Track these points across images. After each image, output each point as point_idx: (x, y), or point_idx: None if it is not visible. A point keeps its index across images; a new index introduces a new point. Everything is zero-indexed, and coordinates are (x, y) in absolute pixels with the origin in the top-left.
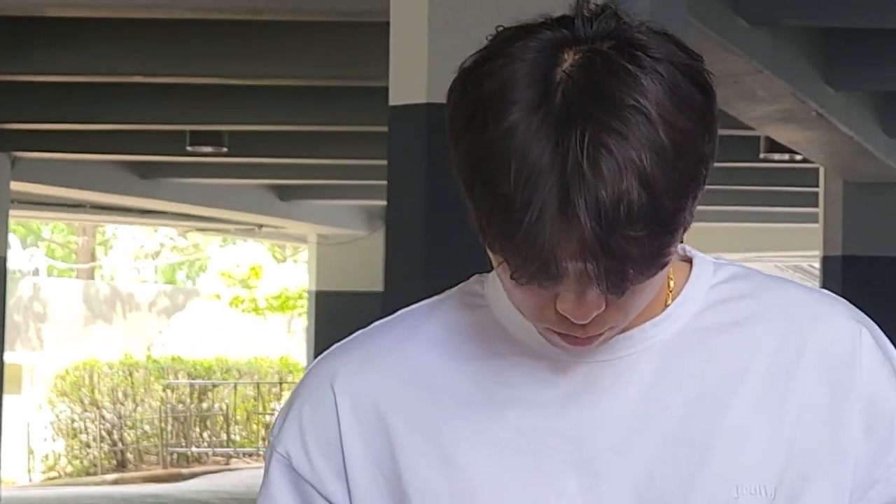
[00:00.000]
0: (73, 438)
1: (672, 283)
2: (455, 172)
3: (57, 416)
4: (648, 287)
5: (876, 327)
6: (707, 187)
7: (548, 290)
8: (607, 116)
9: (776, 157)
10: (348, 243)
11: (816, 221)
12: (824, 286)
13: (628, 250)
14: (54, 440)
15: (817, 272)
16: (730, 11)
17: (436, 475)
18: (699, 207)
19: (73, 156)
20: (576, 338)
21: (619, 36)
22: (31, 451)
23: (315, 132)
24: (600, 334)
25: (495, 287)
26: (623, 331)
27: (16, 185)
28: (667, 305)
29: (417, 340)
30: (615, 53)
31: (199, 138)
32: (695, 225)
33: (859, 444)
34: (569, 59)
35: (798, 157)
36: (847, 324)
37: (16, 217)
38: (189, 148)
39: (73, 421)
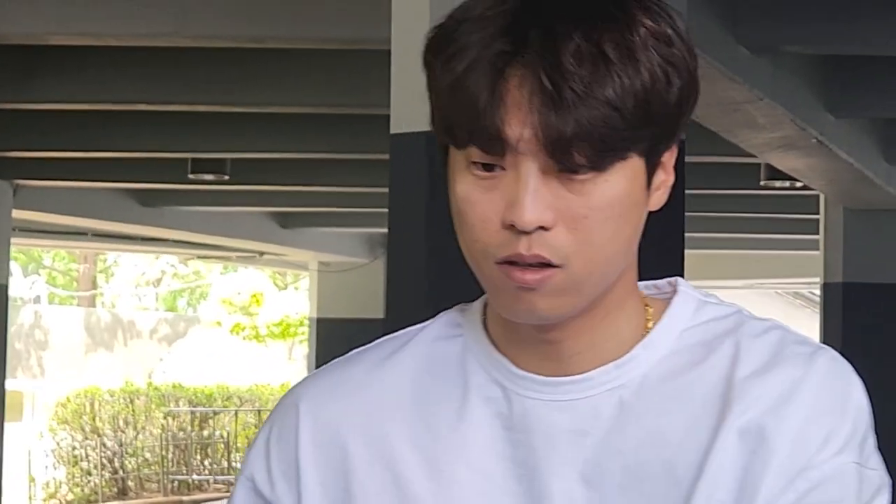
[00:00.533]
0: (74, 466)
1: (650, 323)
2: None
3: (58, 444)
4: (600, 219)
5: (839, 376)
6: (708, 214)
7: (495, 166)
8: None
9: (777, 184)
10: (349, 271)
11: (817, 248)
12: (825, 313)
13: (578, 111)
14: (55, 468)
15: (818, 299)
16: (731, 39)
17: None
18: (700, 234)
19: (75, 184)
20: (522, 273)
21: None
22: (32, 479)
23: (316, 160)
24: (548, 267)
25: (472, 315)
26: (583, 371)
27: (17, 213)
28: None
29: (389, 373)
30: None
31: (200, 166)
32: (696, 252)
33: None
34: None
35: (798, 185)
36: (798, 370)
37: (17, 245)
38: (191, 175)
39: (73, 448)
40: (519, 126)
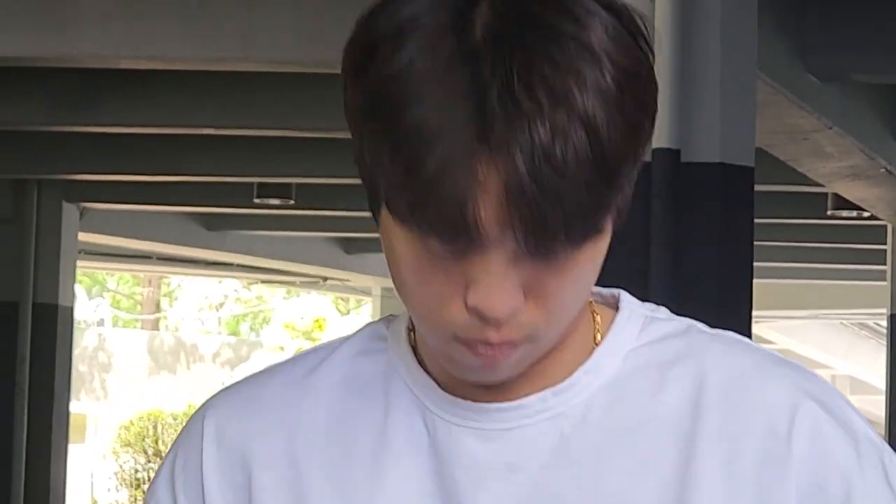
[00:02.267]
0: (136, 489)
1: (598, 336)
2: (348, 122)
3: (121, 467)
4: (572, 289)
5: (832, 397)
6: (773, 244)
7: (457, 253)
8: (541, 41)
9: (844, 213)
10: None
11: (884, 279)
12: (892, 344)
13: (559, 196)
14: (118, 490)
15: (884, 330)
16: (800, 68)
17: None
18: (765, 264)
19: (141, 207)
20: (486, 350)
21: None
22: (94, 502)
23: None
24: (514, 346)
25: (398, 327)
26: (518, 397)
27: (83, 236)
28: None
29: (306, 393)
30: None
31: (266, 190)
32: (760, 282)
33: None
34: None
35: (866, 214)
36: (788, 394)
37: (82, 268)
38: (256, 200)
39: (136, 471)
40: (495, 223)
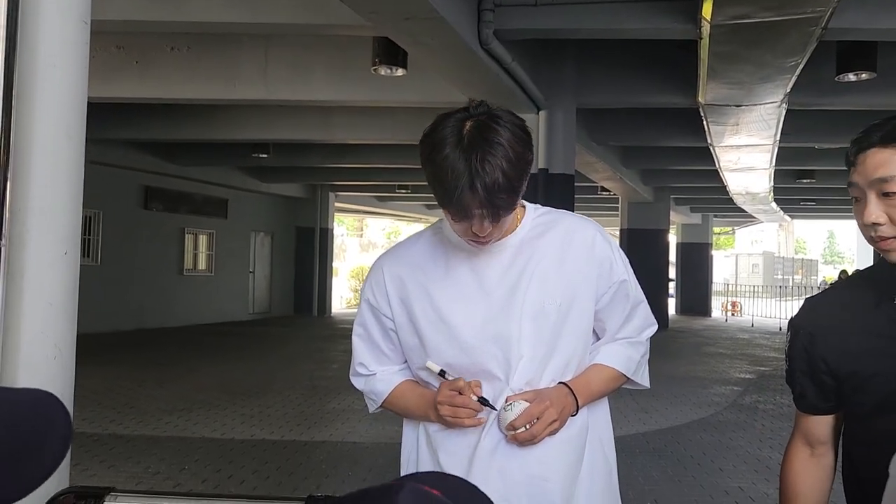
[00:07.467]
0: (355, 295)
1: (519, 218)
2: (426, 177)
3: (353, 289)
4: (507, 220)
5: (604, 232)
6: (583, 205)
7: (466, 223)
8: (487, 146)
9: (603, 192)
10: None
11: (618, 215)
12: (622, 244)
13: (500, 204)
14: (351, 297)
15: (618, 235)
16: (588, 139)
17: (425, 306)
18: (582, 212)
19: (351, 193)
20: (479, 242)
21: (489, 113)
22: (341, 298)
23: None
24: (489, 240)
25: (447, 228)
26: (499, 239)
27: (337, 204)
28: (518, 226)
29: (418, 246)
30: (488, 119)
31: (401, 187)
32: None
33: (595, 280)
34: (469, 124)
35: (611, 192)
36: (591, 231)
37: (337, 213)
38: (399, 191)
39: (355, 289)
40: (475, 211)
